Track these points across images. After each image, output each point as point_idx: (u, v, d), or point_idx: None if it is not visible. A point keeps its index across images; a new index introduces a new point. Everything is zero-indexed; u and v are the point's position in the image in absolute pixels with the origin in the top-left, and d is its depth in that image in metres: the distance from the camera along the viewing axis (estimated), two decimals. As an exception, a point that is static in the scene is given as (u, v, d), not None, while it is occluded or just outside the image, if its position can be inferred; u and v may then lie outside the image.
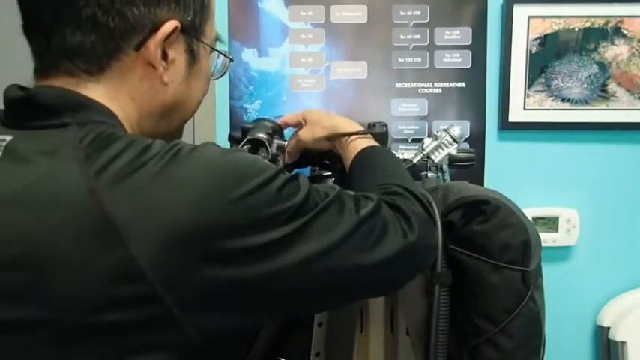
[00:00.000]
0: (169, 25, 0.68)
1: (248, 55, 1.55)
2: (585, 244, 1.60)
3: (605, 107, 1.56)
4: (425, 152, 1.24)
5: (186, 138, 1.57)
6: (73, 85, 0.67)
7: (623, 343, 1.53)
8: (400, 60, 1.55)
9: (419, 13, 1.54)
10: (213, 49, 0.78)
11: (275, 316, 0.65)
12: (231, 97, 1.56)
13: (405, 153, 1.28)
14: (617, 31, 1.53)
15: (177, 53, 0.71)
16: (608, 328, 1.56)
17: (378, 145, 0.99)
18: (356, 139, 1.00)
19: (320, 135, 1.05)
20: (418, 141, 1.40)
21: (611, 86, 1.55)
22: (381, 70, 1.55)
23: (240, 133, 1.14)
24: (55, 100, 0.66)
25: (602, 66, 1.54)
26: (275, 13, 1.54)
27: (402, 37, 1.55)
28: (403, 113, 1.56)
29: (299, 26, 1.55)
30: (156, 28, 0.67)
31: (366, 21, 1.55)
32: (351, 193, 0.73)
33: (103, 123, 0.65)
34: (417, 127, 1.56)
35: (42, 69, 0.69)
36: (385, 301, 1.14)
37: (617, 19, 1.53)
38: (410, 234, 0.72)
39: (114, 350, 0.58)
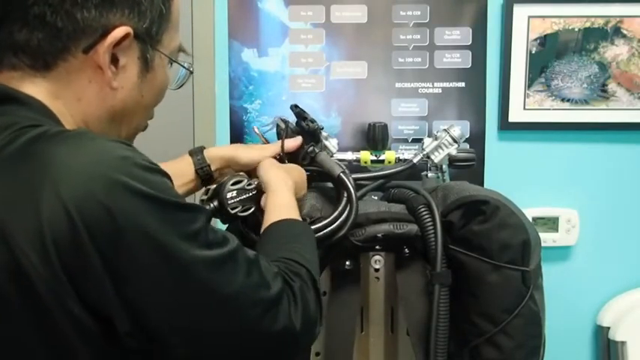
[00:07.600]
0: (120, 31, 0.67)
1: (248, 55, 1.55)
2: (585, 244, 1.60)
3: (605, 107, 1.55)
4: (425, 152, 1.24)
5: (187, 137, 1.58)
6: (16, 79, 0.67)
7: (623, 343, 1.53)
8: (400, 60, 1.55)
9: (419, 13, 1.54)
10: (171, 59, 0.77)
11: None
12: (231, 97, 1.56)
13: (405, 153, 1.28)
14: (617, 31, 1.53)
15: (130, 59, 0.70)
16: (608, 328, 1.56)
17: (294, 219, 0.90)
18: (276, 200, 0.93)
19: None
20: (418, 141, 1.40)
21: (611, 86, 1.55)
22: (381, 70, 1.55)
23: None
24: None
25: (602, 66, 1.54)
26: (275, 13, 1.54)
27: (402, 37, 1.55)
28: (403, 113, 1.56)
29: (299, 26, 1.55)
30: (106, 33, 0.67)
31: (366, 21, 1.54)
32: (262, 263, 0.71)
33: (27, 118, 0.65)
34: (417, 127, 1.56)
35: None
36: (385, 301, 1.14)
37: (617, 19, 1.53)
38: (295, 321, 0.70)
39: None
